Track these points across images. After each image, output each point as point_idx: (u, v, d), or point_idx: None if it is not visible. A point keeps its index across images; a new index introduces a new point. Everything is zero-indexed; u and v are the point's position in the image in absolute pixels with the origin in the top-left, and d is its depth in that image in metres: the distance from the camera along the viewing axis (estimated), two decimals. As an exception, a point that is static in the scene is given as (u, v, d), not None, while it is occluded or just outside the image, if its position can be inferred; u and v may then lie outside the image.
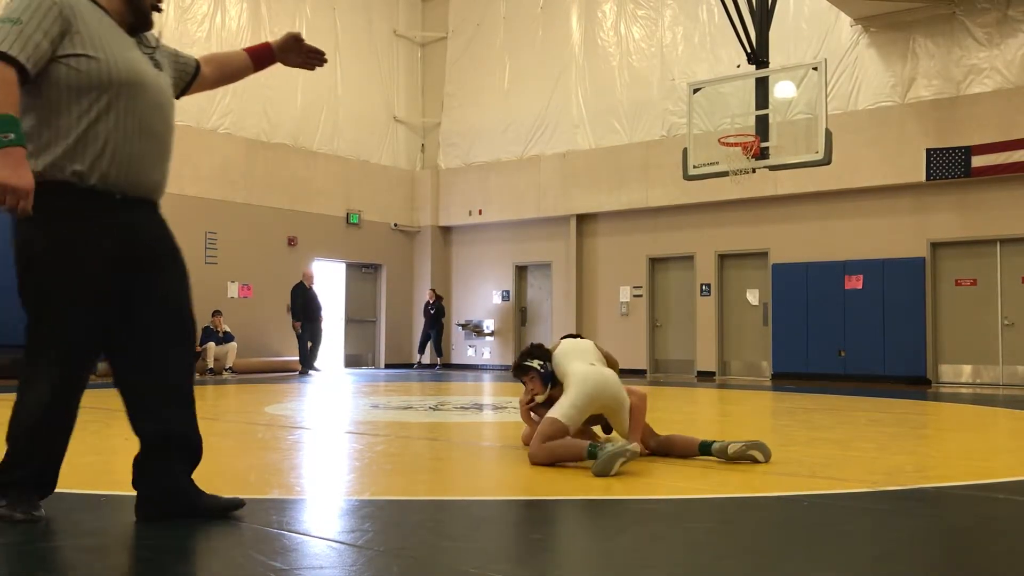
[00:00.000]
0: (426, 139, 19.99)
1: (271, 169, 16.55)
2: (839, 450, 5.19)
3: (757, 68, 12.08)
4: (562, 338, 5.17)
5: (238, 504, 3.07)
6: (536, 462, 4.37)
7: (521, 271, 18.75)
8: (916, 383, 13.53)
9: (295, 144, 17.33)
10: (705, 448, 4.56)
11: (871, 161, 13.91)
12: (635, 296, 16.83)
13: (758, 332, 15.50)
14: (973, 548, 2.92)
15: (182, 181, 13.81)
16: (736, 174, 11.74)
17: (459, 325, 19.18)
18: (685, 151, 12.20)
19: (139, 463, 2.97)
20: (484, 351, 18.86)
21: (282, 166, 16.87)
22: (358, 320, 18.89)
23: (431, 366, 18.39)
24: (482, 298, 19.01)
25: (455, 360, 19.26)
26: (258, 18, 16.76)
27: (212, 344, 14.71)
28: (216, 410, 7.80)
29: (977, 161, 13.03)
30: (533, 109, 18.13)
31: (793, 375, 14.57)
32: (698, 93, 12.31)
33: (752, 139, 11.53)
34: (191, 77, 3.29)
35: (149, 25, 3.03)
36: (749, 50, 12.17)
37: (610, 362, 4.95)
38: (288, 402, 8.89)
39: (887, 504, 3.52)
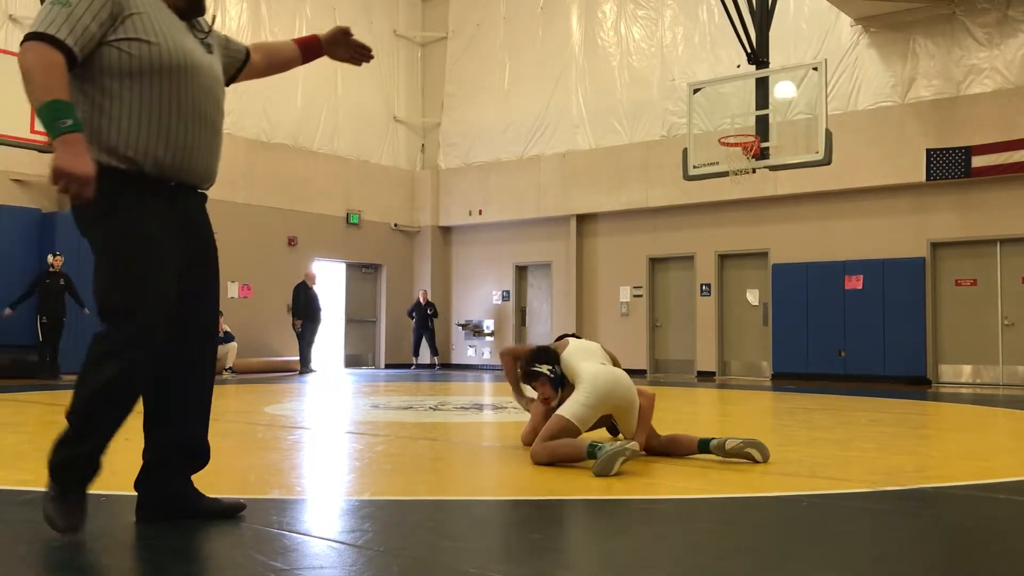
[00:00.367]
0: (426, 139, 19.99)
1: (271, 169, 16.55)
2: (839, 450, 5.19)
3: (757, 68, 12.08)
4: (559, 337, 5.12)
5: (239, 507, 3.07)
6: (537, 461, 4.36)
7: (521, 271, 18.75)
8: (916, 383, 13.53)
9: (295, 144, 17.34)
10: (704, 445, 4.56)
11: (871, 161, 13.91)
12: (635, 296, 16.83)
13: (758, 332, 15.50)
14: (973, 548, 2.92)
15: (182, 181, 13.80)
16: (736, 174, 11.75)
17: (459, 325, 19.18)
18: (685, 151, 12.20)
19: (147, 465, 2.93)
20: (484, 351, 18.86)
21: (282, 166, 16.87)
22: (358, 320, 18.89)
23: (430, 366, 18.39)
24: (482, 298, 19.01)
25: (455, 360, 19.26)
26: (258, 18, 16.76)
27: (212, 344, 14.70)
28: (216, 410, 7.77)
29: (977, 161, 13.03)
30: (533, 109, 18.13)
31: (793, 375, 14.57)
32: (698, 93, 12.31)
33: (752, 139, 11.54)
34: (241, 64, 3.24)
35: (202, 10, 2.97)
36: (749, 50, 12.18)
37: (613, 362, 4.93)
38: (288, 402, 8.89)
39: (887, 504, 3.52)
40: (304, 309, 15.84)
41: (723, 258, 15.94)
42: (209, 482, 3.15)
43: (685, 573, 2.53)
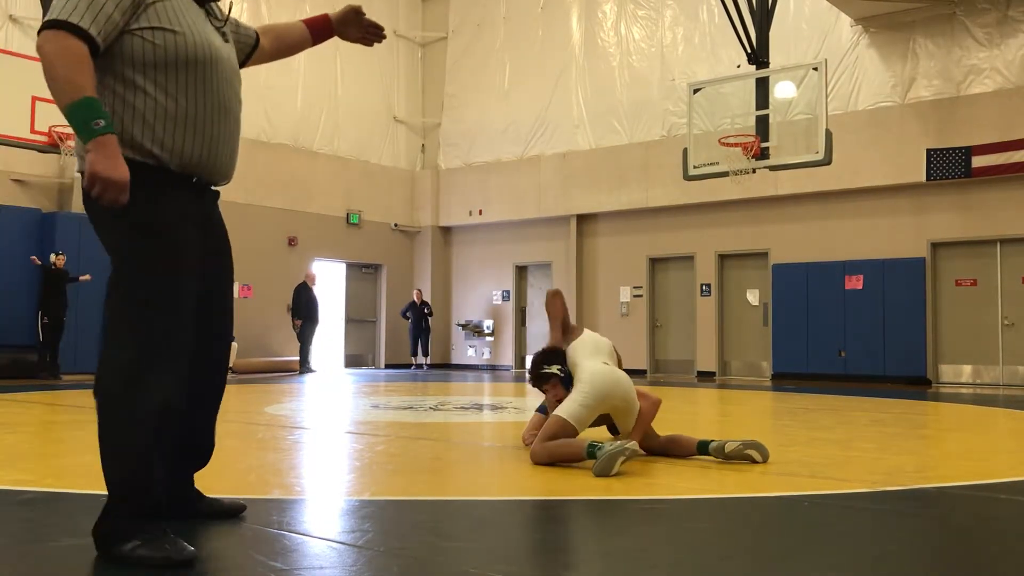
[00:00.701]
0: (426, 139, 19.99)
1: (271, 169, 16.55)
2: (839, 450, 5.19)
3: (757, 68, 12.08)
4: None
5: (239, 508, 3.06)
6: (537, 461, 4.36)
7: (521, 271, 18.75)
8: (916, 383, 13.52)
9: (295, 144, 17.34)
10: (703, 447, 4.56)
11: (871, 161, 13.91)
12: (635, 296, 16.83)
13: (758, 332, 15.50)
14: (973, 548, 2.91)
15: (182, 181, 13.80)
16: (736, 174, 11.75)
17: (459, 325, 19.18)
18: (685, 151, 12.20)
19: None
20: (484, 351, 18.86)
21: (282, 166, 16.87)
22: (358, 320, 18.89)
23: (430, 366, 18.39)
24: (482, 298, 19.01)
25: (455, 360, 19.26)
26: (258, 17, 16.75)
27: (212, 344, 14.71)
28: (216, 410, 7.78)
29: (977, 161, 13.03)
30: (533, 109, 18.13)
31: (793, 375, 14.57)
32: (698, 93, 12.31)
33: (752, 139, 11.54)
34: (251, 49, 3.11)
35: None
36: (749, 50, 12.18)
37: (618, 363, 4.93)
38: (288, 402, 8.89)
39: (887, 504, 3.52)
40: (304, 309, 15.85)
41: (723, 258, 15.94)
42: (209, 482, 3.15)
43: (685, 573, 2.53)
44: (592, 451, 4.08)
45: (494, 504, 3.61)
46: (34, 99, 10.56)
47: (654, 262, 16.73)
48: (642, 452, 4.31)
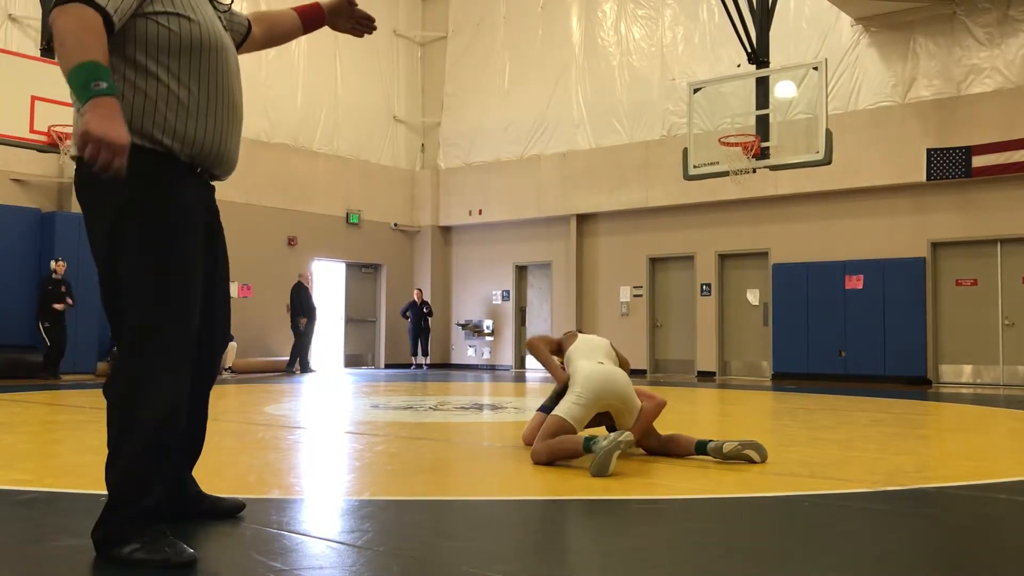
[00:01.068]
0: (426, 139, 19.99)
1: (271, 169, 16.55)
2: (840, 450, 5.19)
3: (757, 68, 12.08)
4: (567, 333, 5.18)
5: (238, 507, 3.06)
6: (537, 460, 4.38)
7: (521, 271, 18.75)
8: (916, 383, 13.52)
9: (295, 144, 17.33)
10: (701, 447, 4.56)
11: (871, 161, 13.91)
12: (635, 296, 16.83)
13: (758, 332, 15.50)
14: (973, 548, 2.91)
15: (182, 181, 13.80)
16: (736, 174, 11.74)
17: (459, 325, 19.18)
18: (685, 151, 12.20)
19: None
20: (484, 351, 18.86)
21: (282, 166, 16.87)
22: (358, 320, 18.89)
23: (430, 366, 18.39)
24: (482, 298, 19.01)
25: (455, 360, 19.26)
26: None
27: (212, 344, 14.69)
28: (216, 410, 7.77)
29: (977, 161, 13.02)
30: (533, 109, 18.13)
31: (793, 375, 14.57)
32: (698, 93, 12.31)
33: (752, 139, 11.53)
34: (242, 38, 3.05)
35: None
36: (749, 50, 12.17)
37: (621, 362, 4.94)
38: (288, 402, 8.89)
39: (887, 504, 3.52)
40: (305, 308, 15.85)
41: (723, 258, 15.93)
42: (209, 482, 3.15)
43: (685, 573, 2.53)
44: (588, 445, 4.11)
45: (494, 504, 3.61)
46: (33, 98, 10.55)
47: (654, 262, 16.73)
48: (634, 441, 4.28)
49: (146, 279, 2.46)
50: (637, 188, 16.43)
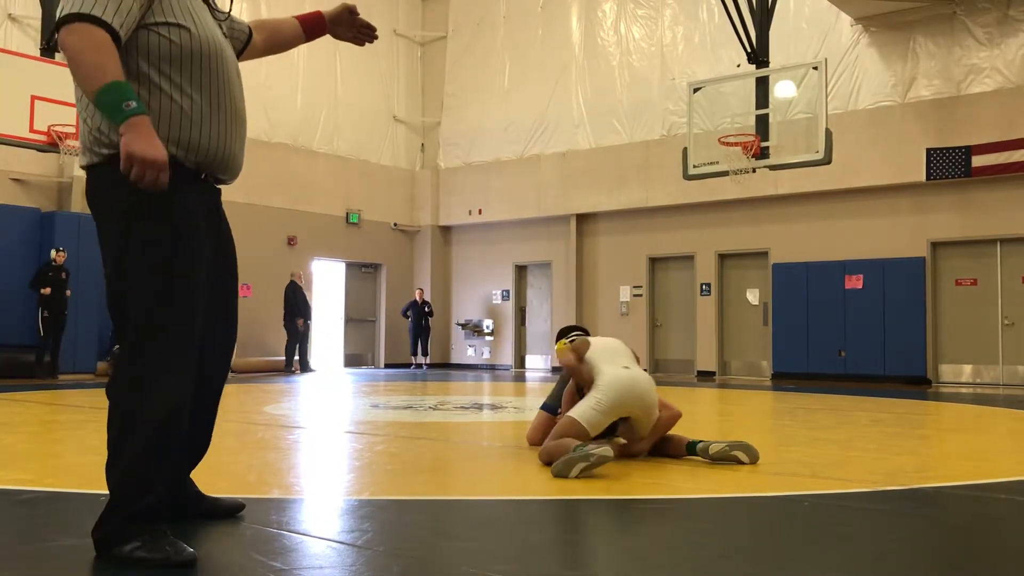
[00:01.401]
0: (426, 139, 19.99)
1: (271, 169, 16.55)
2: (840, 450, 5.19)
3: (757, 68, 12.08)
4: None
5: (238, 507, 3.06)
6: (541, 459, 4.37)
7: (521, 271, 18.75)
8: (916, 383, 13.52)
9: (295, 143, 17.34)
10: (691, 448, 4.54)
11: (871, 161, 13.91)
12: (635, 296, 16.83)
13: (758, 332, 15.50)
14: (973, 548, 2.91)
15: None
16: (736, 174, 11.75)
17: (459, 325, 19.18)
18: (685, 151, 12.20)
19: None
20: (484, 351, 18.86)
21: (282, 165, 16.87)
22: (358, 320, 18.89)
23: (430, 365, 18.39)
24: (482, 298, 19.01)
25: (455, 360, 19.26)
26: (257, 17, 16.73)
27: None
28: (216, 410, 7.77)
29: (977, 161, 13.03)
30: (533, 109, 18.13)
31: (793, 375, 14.57)
32: (698, 93, 12.31)
33: (752, 139, 11.53)
34: (243, 45, 3.08)
35: None
36: (749, 50, 12.17)
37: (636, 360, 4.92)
38: (287, 402, 8.89)
39: (887, 504, 3.52)
40: (301, 308, 15.84)
41: (723, 258, 15.93)
42: (209, 482, 3.15)
43: (685, 573, 2.53)
44: (576, 449, 4.05)
45: (494, 504, 3.61)
46: (33, 98, 10.55)
47: (654, 262, 16.73)
48: (612, 458, 4.00)
49: (150, 280, 2.49)
50: (637, 188, 16.43)
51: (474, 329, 18.90)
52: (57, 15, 2.48)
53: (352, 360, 18.71)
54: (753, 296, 15.62)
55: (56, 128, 10.74)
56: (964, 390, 12.51)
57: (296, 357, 15.90)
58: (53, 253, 12.71)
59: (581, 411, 4.43)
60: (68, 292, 12.69)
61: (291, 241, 17.07)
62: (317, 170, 17.64)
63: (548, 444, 4.37)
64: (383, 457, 4.81)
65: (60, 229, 13.26)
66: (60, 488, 3.69)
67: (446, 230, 19.61)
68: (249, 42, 3.11)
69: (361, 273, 18.95)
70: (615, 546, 2.81)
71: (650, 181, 16.24)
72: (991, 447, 5.81)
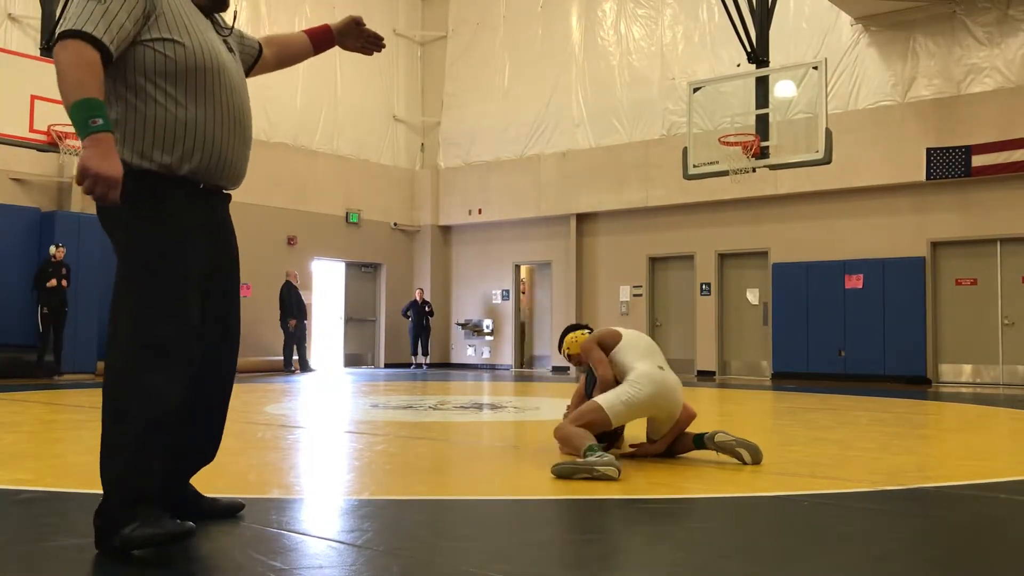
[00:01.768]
0: (426, 138, 19.98)
1: (271, 168, 16.54)
2: (840, 450, 5.19)
3: (757, 67, 12.08)
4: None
5: (238, 507, 3.06)
6: (555, 435, 4.52)
7: (521, 270, 18.75)
8: (916, 383, 13.52)
9: (295, 143, 17.33)
10: (699, 440, 4.54)
11: (871, 161, 13.91)
12: (635, 295, 16.83)
13: (758, 332, 15.50)
14: (973, 548, 2.91)
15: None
16: (736, 173, 11.74)
17: (459, 324, 19.18)
18: (685, 150, 12.20)
19: None
20: (484, 350, 18.86)
21: (282, 165, 16.87)
22: (358, 319, 18.89)
23: (430, 365, 18.39)
24: (482, 297, 19.01)
25: (454, 359, 19.26)
26: (257, 17, 16.76)
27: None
28: (216, 409, 7.77)
29: (977, 161, 13.02)
30: (533, 109, 18.13)
31: (793, 375, 14.57)
32: (698, 92, 12.31)
33: (752, 138, 11.53)
34: (254, 60, 3.19)
35: (226, 5, 2.91)
36: (749, 49, 12.17)
37: None
38: (287, 402, 8.89)
39: (887, 504, 3.52)
40: (295, 308, 15.85)
41: (723, 257, 15.93)
42: (209, 482, 3.15)
43: (685, 573, 2.53)
44: (586, 453, 4.04)
45: (494, 504, 3.61)
46: (33, 98, 10.55)
47: (654, 261, 16.73)
48: (615, 479, 3.88)
49: (139, 285, 2.60)
50: (637, 187, 16.43)
51: (474, 329, 18.91)
52: (57, 29, 2.58)
53: (352, 360, 18.71)
54: (753, 296, 15.61)
55: (56, 128, 10.74)
56: (964, 390, 12.51)
57: (295, 357, 15.90)
58: (52, 249, 12.71)
59: (610, 401, 4.39)
60: (65, 283, 12.66)
61: (291, 241, 17.07)
62: (317, 170, 17.65)
63: (566, 427, 4.39)
64: (383, 457, 4.81)
65: (60, 229, 13.25)
66: (60, 488, 3.69)
67: (446, 230, 19.61)
68: (260, 57, 3.22)
69: (361, 273, 18.95)
70: (615, 546, 2.81)
71: (650, 181, 16.24)
72: (991, 447, 5.81)
